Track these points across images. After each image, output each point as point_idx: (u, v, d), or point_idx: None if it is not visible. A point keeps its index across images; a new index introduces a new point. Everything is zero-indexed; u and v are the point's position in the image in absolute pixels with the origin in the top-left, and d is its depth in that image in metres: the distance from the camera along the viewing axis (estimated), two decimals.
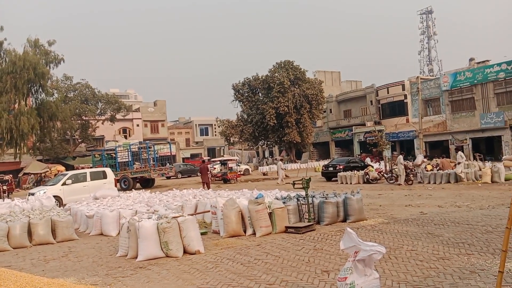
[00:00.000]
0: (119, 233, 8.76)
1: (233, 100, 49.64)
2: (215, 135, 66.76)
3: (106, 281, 6.07)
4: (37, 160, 41.04)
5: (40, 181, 33.67)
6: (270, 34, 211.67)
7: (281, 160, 32.66)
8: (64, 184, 17.85)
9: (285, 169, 27.42)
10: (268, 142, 51.14)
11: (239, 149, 59.07)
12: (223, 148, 65.41)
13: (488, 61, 37.62)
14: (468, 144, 34.82)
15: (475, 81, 36.47)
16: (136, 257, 7.30)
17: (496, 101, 35.16)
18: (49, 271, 6.96)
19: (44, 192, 16.32)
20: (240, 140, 50.55)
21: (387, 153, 36.97)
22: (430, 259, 6.15)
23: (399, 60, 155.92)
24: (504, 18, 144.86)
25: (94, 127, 49.81)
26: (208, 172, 22.12)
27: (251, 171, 42.53)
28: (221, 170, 31.29)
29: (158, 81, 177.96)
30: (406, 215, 10.50)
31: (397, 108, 44.86)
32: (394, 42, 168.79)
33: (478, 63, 38.66)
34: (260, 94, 48.37)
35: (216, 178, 30.36)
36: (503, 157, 24.12)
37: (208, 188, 19.22)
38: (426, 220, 9.51)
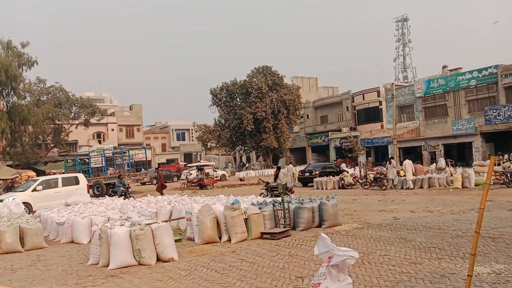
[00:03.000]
0: (90, 241, 8.56)
1: (211, 105, 49.58)
2: (192, 140, 66.33)
3: None
4: (7, 165, 39.72)
5: (11, 187, 32.66)
6: (247, 39, 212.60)
7: (291, 163, 32.88)
8: (34, 190, 17.34)
9: (293, 173, 27.41)
10: (246, 148, 51.16)
11: (216, 154, 58.84)
12: (200, 153, 65.04)
13: (460, 68, 38.78)
14: (440, 150, 35.69)
15: (448, 88, 37.52)
16: (108, 265, 7.13)
17: (467, 108, 36.22)
18: (16, 281, 6.72)
19: (13, 199, 15.81)
20: (217, 145, 50.41)
21: (362, 158, 37.46)
22: (402, 263, 6.23)
23: (375, 67, 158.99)
24: (476, 27, 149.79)
25: (68, 131, 48.74)
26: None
27: (228, 176, 42.43)
28: (197, 175, 31.07)
29: (134, 85, 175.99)
30: (379, 220, 10.64)
31: (372, 114, 45.65)
32: (370, 49, 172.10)
33: (451, 70, 39.83)
34: (238, 99, 48.41)
35: (193, 184, 30.13)
36: (473, 163, 24.80)
37: (162, 194, 19.37)
38: (399, 225, 9.65)
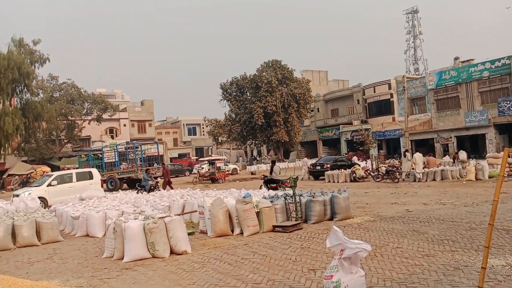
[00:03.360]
0: (105, 234, 8.69)
1: (221, 100, 49.62)
2: (203, 134, 66.57)
3: (92, 283, 6.01)
4: (22, 161, 40.39)
5: (26, 182, 33.18)
6: (258, 35, 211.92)
7: (306, 156, 33.18)
8: (49, 185, 17.64)
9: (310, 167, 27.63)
10: (256, 142, 51.19)
11: (227, 148, 58.99)
12: (211, 147, 65.28)
13: (472, 60, 38.19)
14: (453, 142, 35.31)
15: (460, 80, 36.99)
16: (122, 258, 7.24)
17: (480, 99, 35.71)
18: (34, 274, 6.86)
19: (29, 194, 16.10)
20: (228, 139, 50.54)
21: (373, 151, 37.23)
22: (415, 256, 6.21)
23: (386, 60, 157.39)
24: (489, 17, 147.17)
25: (80, 127, 49.26)
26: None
27: (239, 170, 42.53)
28: (209, 169, 31.23)
29: (145, 81, 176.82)
30: (392, 213, 10.60)
31: (383, 107, 45.26)
32: (380, 41, 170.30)
33: (463, 62, 39.23)
34: (248, 93, 48.39)
35: (204, 178, 30.29)
36: (487, 155, 24.48)
37: (172, 188, 18.97)
38: (412, 217, 9.60)
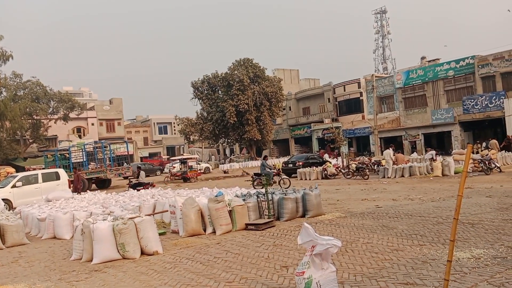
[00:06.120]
0: (73, 236, 8.45)
1: (193, 98, 49.14)
2: (175, 133, 65.82)
3: (59, 286, 5.84)
4: None
5: None
6: (229, 33, 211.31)
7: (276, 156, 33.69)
8: (14, 186, 17.06)
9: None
10: (229, 140, 51.04)
11: (199, 147, 58.57)
12: (182, 146, 64.65)
13: (438, 59, 39.37)
14: (421, 139, 36.29)
15: (427, 79, 38.06)
16: (91, 260, 7.07)
17: (446, 98, 36.84)
18: None
19: None
20: (200, 138, 50.18)
21: (344, 149, 37.82)
22: (385, 251, 6.33)
23: (355, 59, 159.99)
24: (453, 18, 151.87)
25: (46, 126, 47.81)
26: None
27: (212, 169, 42.29)
28: (181, 169, 30.92)
29: (114, 79, 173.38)
30: (362, 209, 10.78)
31: (353, 106, 45.99)
32: (350, 41, 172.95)
33: (429, 61, 40.39)
34: (219, 91, 48.13)
35: (176, 177, 29.97)
36: (452, 152, 25.28)
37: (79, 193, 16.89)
38: (381, 213, 9.79)
